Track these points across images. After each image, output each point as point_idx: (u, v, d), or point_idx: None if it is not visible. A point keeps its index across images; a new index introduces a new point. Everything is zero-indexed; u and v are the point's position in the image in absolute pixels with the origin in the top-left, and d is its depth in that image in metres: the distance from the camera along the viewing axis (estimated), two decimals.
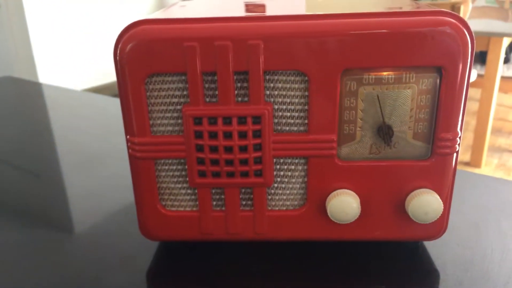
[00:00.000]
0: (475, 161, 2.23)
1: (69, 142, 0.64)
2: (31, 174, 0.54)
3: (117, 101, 0.82)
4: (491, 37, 1.95)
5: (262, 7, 0.37)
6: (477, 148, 2.20)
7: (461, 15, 1.80)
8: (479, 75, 2.13)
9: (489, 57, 2.00)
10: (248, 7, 0.38)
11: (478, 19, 2.32)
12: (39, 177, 0.54)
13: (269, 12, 0.34)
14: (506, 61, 2.25)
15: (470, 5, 1.82)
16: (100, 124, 0.72)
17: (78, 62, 2.89)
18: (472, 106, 2.58)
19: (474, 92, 2.71)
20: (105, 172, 0.54)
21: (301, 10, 0.35)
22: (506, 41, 1.99)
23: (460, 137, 0.32)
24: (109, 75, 3.01)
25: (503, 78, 2.21)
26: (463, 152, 2.31)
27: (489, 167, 2.26)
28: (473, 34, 0.30)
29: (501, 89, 2.23)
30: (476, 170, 2.22)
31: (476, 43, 2.03)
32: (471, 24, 2.04)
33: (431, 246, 0.37)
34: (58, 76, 2.79)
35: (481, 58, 2.21)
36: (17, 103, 0.85)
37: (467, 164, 2.22)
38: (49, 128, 0.71)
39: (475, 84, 2.16)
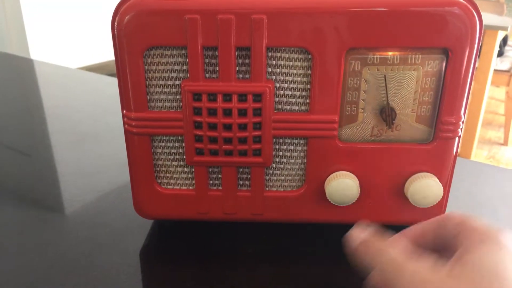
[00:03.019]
0: (464, 153, 2.24)
1: (61, 120, 0.63)
2: (22, 153, 0.53)
3: (111, 80, 0.81)
4: (485, 30, 1.95)
5: None
6: (467, 140, 2.21)
7: None
8: None
9: (483, 50, 2.00)
10: None
11: None
12: (30, 155, 0.53)
13: None
14: (499, 54, 2.25)
15: None
16: (93, 103, 0.70)
17: (72, 40, 2.84)
18: None
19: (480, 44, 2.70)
20: (98, 151, 0.53)
21: None
22: (500, 35, 1.99)
23: (463, 122, 0.32)
24: (105, 54, 2.96)
25: (496, 71, 2.21)
26: None
27: (478, 159, 2.28)
28: (482, 16, 0.30)
29: (493, 83, 2.24)
30: None
31: None
32: None
33: None
34: (52, 54, 2.73)
35: None
36: (9, 80, 0.83)
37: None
38: (40, 106, 0.69)
39: None
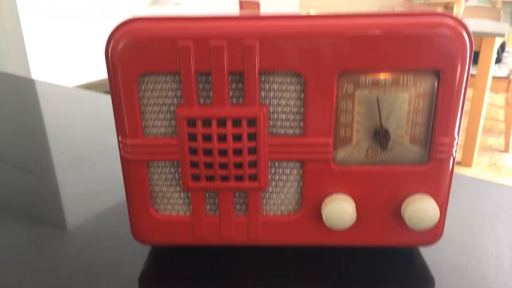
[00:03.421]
0: (466, 161, 2.24)
1: (61, 141, 0.63)
2: (23, 173, 0.53)
3: (109, 98, 0.81)
4: (483, 37, 1.96)
5: (256, 4, 0.37)
6: (468, 148, 2.21)
7: (454, 14, 1.81)
8: (471, 75, 2.14)
9: (481, 57, 2.01)
10: (243, 4, 0.37)
11: (471, 19, 2.33)
12: (29, 175, 0.53)
13: (264, 10, 0.33)
14: (497, 61, 2.26)
15: (463, 5, 1.83)
16: (92, 122, 0.70)
17: (70, 58, 2.86)
18: (464, 104, 2.59)
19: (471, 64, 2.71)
20: (96, 173, 0.53)
21: (297, 9, 0.34)
22: (498, 41, 2.00)
23: (457, 142, 0.32)
24: (102, 72, 2.98)
25: (495, 78, 2.22)
26: None
27: (479, 166, 2.27)
28: (472, 37, 0.30)
29: (492, 89, 2.24)
30: (467, 170, 2.24)
31: None
32: None
33: (426, 252, 0.37)
34: (50, 72, 2.75)
35: (473, 58, 2.23)
36: (10, 100, 0.84)
37: (458, 163, 2.23)
38: (41, 126, 0.70)
39: None
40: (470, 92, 2.12)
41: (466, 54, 0.29)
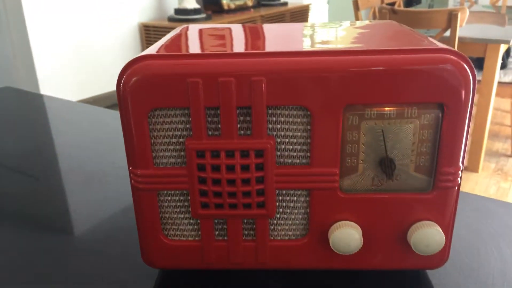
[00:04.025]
0: (472, 166, 2.24)
1: (70, 159, 0.64)
2: (31, 186, 0.54)
3: (117, 114, 0.82)
4: (488, 44, 1.96)
5: (261, 38, 0.38)
6: (474, 153, 2.21)
7: (458, 21, 1.81)
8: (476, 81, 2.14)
9: (486, 64, 2.01)
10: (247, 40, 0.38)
11: (476, 24, 2.33)
12: (37, 181, 0.54)
13: (270, 45, 0.34)
14: (503, 66, 2.25)
15: (467, 12, 1.83)
16: (100, 139, 0.71)
17: (75, 71, 2.89)
18: None
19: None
20: (105, 192, 0.54)
21: (303, 43, 0.35)
22: (503, 47, 2.00)
23: (462, 171, 0.33)
24: (106, 86, 3.01)
25: (500, 83, 2.22)
26: None
27: (486, 171, 2.26)
28: (474, 69, 0.30)
29: (498, 94, 2.24)
30: (474, 175, 2.23)
31: (474, 50, 2.04)
32: (468, 30, 2.05)
33: (432, 274, 0.37)
34: (54, 85, 2.78)
35: (478, 63, 2.22)
36: (16, 115, 0.85)
37: (465, 168, 2.23)
38: (50, 144, 0.71)
39: None
40: (476, 98, 2.13)
41: (470, 88, 0.30)
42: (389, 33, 0.39)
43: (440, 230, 0.33)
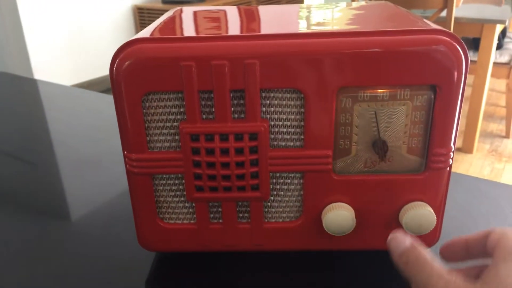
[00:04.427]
0: (467, 147, 2.25)
1: (65, 145, 0.64)
2: (27, 172, 0.55)
3: (110, 99, 0.82)
4: (484, 24, 1.95)
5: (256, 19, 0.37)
6: (469, 134, 2.21)
7: (455, 1, 1.80)
8: (472, 61, 2.14)
9: (482, 44, 2.00)
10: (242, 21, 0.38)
11: (472, 4, 2.32)
12: (34, 177, 0.54)
13: (265, 27, 0.34)
14: (498, 47, 2.25)
15: None
16: (95, 125, 0.71)
17: (68, 56, 2.85)
18: (465, 91, 2.59)
19: (467, 78, 2.71)
20: (101, 178, 0.54)
21: (298, 25, 0.35)
22: (499, 28, 1.99)
23: (453, 151, 0.33)
24: (100, 70, 2.98)
25: (496, 64, 2.21)
26: None
27: (480, 152, 2.28)
28: (467, 51, 0.30)
29: (493, 75, 2.24)
30: (468, 156, 2.25)
31: (470, 30, 2.02)
32: (464, 10, 2.04)
33: None
34: (48, 70, 2.74)
35: (474, 44, 2.21)
36: (11, 101, 0.85)
37: (459, 149, 2.24)
38: (45, 130, 0.71)
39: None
40: (471, 78, 2.12)
41: (462, 69, 0.30)
42: (384, 14, 0.39)
43: (432, 210, 0.33)
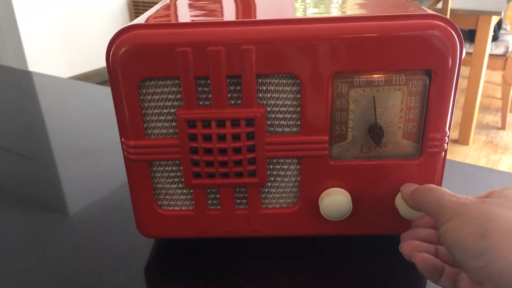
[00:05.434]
0: (463, 139, 2.26)
1: (62, 136, 0.64)
2: (25, 165, 0.55)
3: (109, 91, 0.82)
4: (479, 15, 1.95)
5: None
6: (465, 125, 2.22)
7: None
8: (467, 53, 2.14)
9: (478, 35, 2.00)
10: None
11: None
12: (32, 170, 0.54)
13: (261, 13, 0.34)
14: (494, 38, 2.25)
15: None
16: (92, 116, 0.71)
17: (64, 49, 2.84)
18: (461, 83, 2.59)
19: (462, 70, 2.71)
20: (99, 168, 0.54)
21: (294, 11, 0.35)
22: (494, 19, 1.99)
23: (448, 136, 0.33)
24: (95, 62, 2.96)
25: (491, 55, 2.21)
26: (451, 129, 2.34)
27: (476, 144, 2.29)
28: (462, 36, 0.31)
29: (489, 67, 2.24)
30: (464, 147, 2.26)
31: (465, 22, 2.03)
32: (460, 1, 2.04)
33: None
34: (43, 63, 2.73)
35: (469, 36, 2.21)
36: (7, 93, 0.84)
37: (455, 141, 2.25)
38: (41, 121, 0.71)
39: (463, 62, 2.16)
40: (467, 70, 2.13)
41: (457, 54, 0.30)
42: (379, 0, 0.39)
43: None
